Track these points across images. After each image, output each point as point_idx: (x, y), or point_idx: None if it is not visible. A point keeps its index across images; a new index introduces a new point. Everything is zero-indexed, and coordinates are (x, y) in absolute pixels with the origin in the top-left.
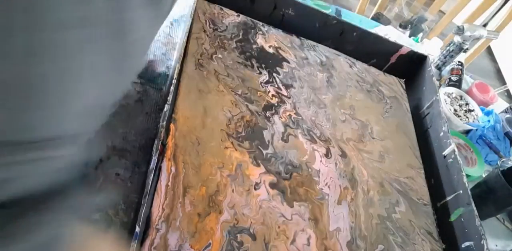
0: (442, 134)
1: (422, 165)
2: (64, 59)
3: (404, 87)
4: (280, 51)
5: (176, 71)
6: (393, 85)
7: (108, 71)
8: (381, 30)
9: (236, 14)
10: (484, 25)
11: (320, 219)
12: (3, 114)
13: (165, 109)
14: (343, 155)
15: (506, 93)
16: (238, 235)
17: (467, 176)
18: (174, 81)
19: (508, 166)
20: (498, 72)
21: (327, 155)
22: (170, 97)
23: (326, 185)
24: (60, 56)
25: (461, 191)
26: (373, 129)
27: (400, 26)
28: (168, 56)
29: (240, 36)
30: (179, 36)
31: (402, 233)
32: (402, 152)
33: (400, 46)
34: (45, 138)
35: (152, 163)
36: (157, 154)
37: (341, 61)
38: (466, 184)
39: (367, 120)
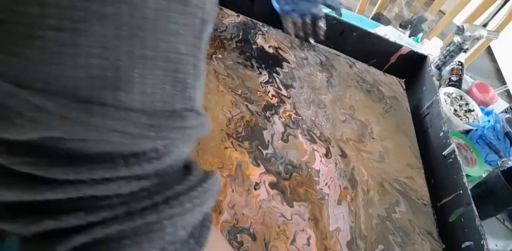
0: (442, 134)
1: (422, 165)
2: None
3: (404, 87)
4: (280, 51)
5: None
6: (393, 85)
7: None
8: (381, 30)
9: (236, 14)
10: (484, 25)
11: (320, 219)
12: (174, 87)
13: None
14: (343, 155)
15: (506, 93)
16: (238, 235)
17: (467, 176)
18: None
19: (508, 166)
20: (498, 72)
21: (327, 155)
22: None
23: (326, 185)
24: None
25: (461, 191)
26: (373, 129)
27: (400, 26)
28: None
29: (240, 36)
30: None
31: (402, 233)
32: (402, 152)
33: (400, 46)
34: (194, 108)
35: None
36: None
37: (341, 61)
38: (466, 184)
39: (367, 120)
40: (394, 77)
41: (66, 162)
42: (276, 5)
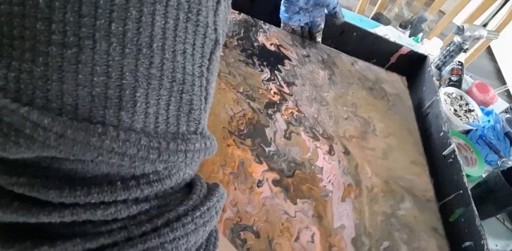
0: (442, 134)
1: (426, 162)
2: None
3: (406, 84)
4: (282, 49)
5: None
6: (395, 82)
7: None
8: (381, 30)
9: (237, 12)
10: (484, 25)
11: (324, 216)
12: (179, 108)
13: None
14: (346, 152)
15: (506, 93)
16: (242, 233)
17: (467, 176)
18: None
19: (508, 166)
20: (498, 72)
21: (330, 152)
22: None
23: (329, 182)
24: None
25: (461, 191)
26: (376, 126)
27: (400, 26)
28: None
29: (241, 34)
30: None
31: (407, 230)
32: (405, 149)
33: (400, 46)
34: (199, 130)
35: None
36: None
37: (343, 58)
38: (466, 184)
39: (370, 117)
40: (396, 74)
41: (62, 183)
42: (284, 15)
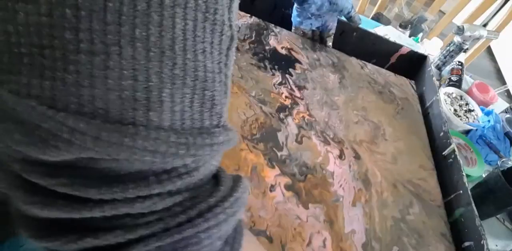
0: (442, 134)
1: (434, 166)
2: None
3: (415, 88)
4: (293, 52)
5: None
6: (404, 86)
7: None
8: (381, 30)
9: (249, 15)
10: (484, 25)
11: (335, 221)
12: (202, 104)
13: None
14: (357, 156)
15: (506, 93)
16: (255, 238)
17: (467, 176)
18: None
19: (508, 166)
20: (498, 72)
21: (341, 156)
22: None
23: (340, 186)
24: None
25: (461, 191)
26: (386, 130)
27: (400, 26)
28: None
29: (253, 38)
30: None
31: (416, 235)
32: (414, 153)
33: (400, 46)
34: (221, 123)
35: None
36: None
37: (353, 62)
38: (466, 184)
39: (380, 121)
40: (404, 78)
41: (101, 182)
42: (296, 19)
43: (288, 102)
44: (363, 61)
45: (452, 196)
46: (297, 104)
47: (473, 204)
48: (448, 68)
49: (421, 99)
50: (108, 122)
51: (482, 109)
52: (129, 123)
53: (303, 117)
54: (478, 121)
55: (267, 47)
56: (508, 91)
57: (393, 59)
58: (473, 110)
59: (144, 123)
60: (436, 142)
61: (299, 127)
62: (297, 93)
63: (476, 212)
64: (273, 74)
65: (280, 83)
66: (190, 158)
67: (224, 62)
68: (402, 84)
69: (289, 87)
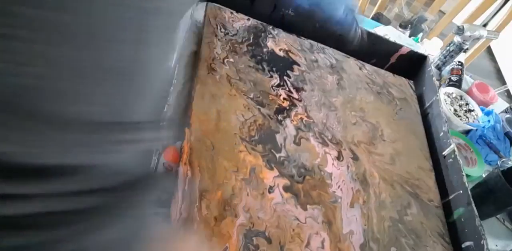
0: (442, 134)
1: (433, 167)
2: (164, 43)
3: (414, 88)
4: (291, 54)
5: (180, 73)
6: (402, 86)
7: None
8: (381, 30)
9: (247, 18)
10: (484, 25)
11: (334, 222)
12: (114, 97)
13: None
14: (355, 157)
15: (506, 93)
16: (254, 239)
17: (467, 176)
18: (174, 81)
19: (508, 166)
20: (498, 72)
21: (339, 157)
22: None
23: (338, 187)
24: (162, 41)
25: (461, 191)
26: (384, 131)
27: (400, 26)
28: None
29: (251, 40)
30: (179, 36)
31: (414, 236)
32: (412, 154)
33: (400, 46)
34: (138, 121)
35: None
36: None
37: (351, 63)
38: (466, 184)
39: (378, 122)
40: (403, 78)
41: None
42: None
43: (286, 104)
44: (361, 62)
45: (452, 196)
46: (295, 106)
47: (473, 204)
48: (448, 68)
49: (421, 100)
50: (20, 114)
51: (482, 109)
52: (41, 115)
53: (301, 119)
54: (478, 122)
55: (265, 50)
56: (508, 91)
57: (393, 59)
58: (473, 110)
59: (57, 115)
60: (436, 142)
61: (297, 129)
62: (295, 95)
63: (476, 212)
64: (271, 76)
65: (278, 85)
66: (104, 155)
67: (144, 43)
68: (400, 85)
69: (287, 89)
